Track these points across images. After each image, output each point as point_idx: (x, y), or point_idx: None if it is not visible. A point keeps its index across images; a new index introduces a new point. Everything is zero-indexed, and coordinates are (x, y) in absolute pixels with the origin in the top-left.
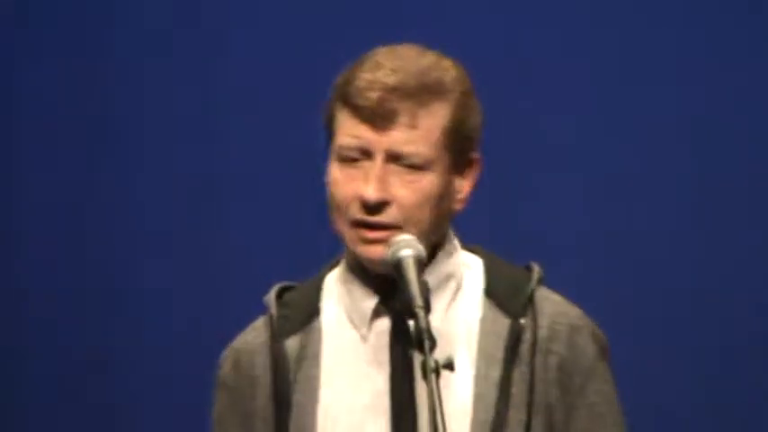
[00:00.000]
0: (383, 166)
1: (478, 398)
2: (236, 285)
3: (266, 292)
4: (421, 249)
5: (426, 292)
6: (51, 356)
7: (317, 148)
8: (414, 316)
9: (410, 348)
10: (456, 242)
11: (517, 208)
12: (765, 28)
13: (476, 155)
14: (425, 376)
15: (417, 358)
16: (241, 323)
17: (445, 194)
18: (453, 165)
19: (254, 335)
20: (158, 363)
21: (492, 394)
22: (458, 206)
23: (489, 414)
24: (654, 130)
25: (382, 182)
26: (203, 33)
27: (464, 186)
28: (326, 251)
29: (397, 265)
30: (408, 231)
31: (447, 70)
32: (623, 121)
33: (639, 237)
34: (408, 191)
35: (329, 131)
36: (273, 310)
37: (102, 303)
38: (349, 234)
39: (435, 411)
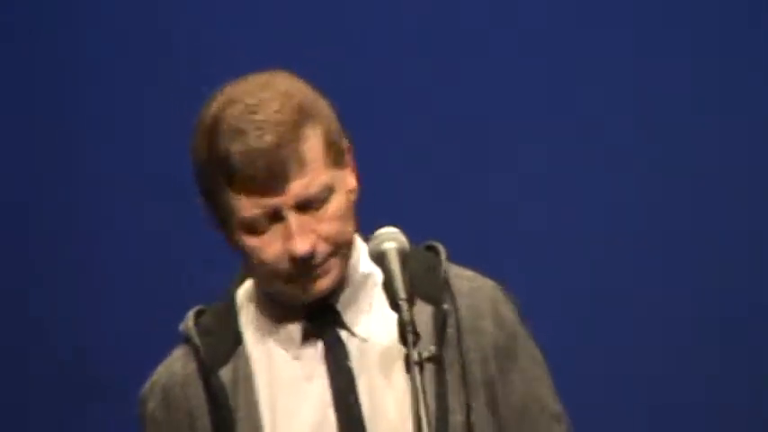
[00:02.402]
0: (296, 217)
1: (414, 391)
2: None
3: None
4: (404, 241)
5: (409, 285)
6: (50, 356)
7: None
8: (397, 308)
9: (347, 360)
10: (359, 239)
11: (517, 207)
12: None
13: (346, 143)
14: (409, 370)
15: (362, 370)
16: None
17: (348, 199)
18: (339, 169)
19: (180, 365)
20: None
21: (429, 385)
22: (356, 194)
23: (431, 405)
24: (655, 131)
25: (303, 231)
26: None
27: (352, 178)
28: None
29: (381, 258)
30: (342, 253)
31: (295, 93)
32: (623, 120)
33: (640, 237)
34: (326, 223)
35: (213, 202)
36: (197, 340)
37: (101, 303)
38: (288, 290)
39: (420, 405)
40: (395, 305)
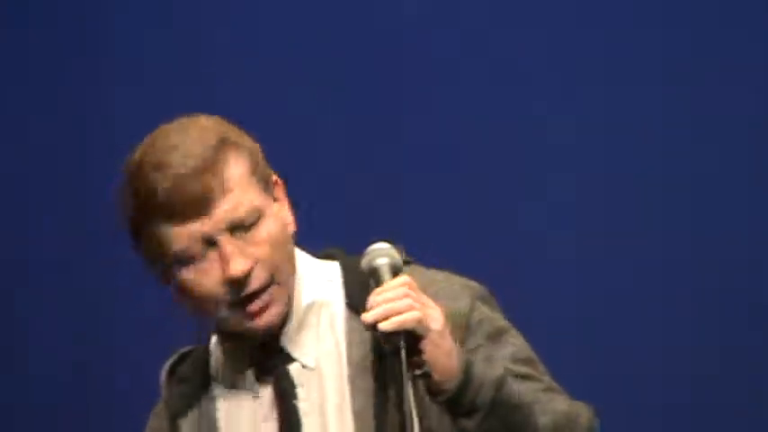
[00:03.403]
0: (229, 240)
1: (359, 415)
2: None
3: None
4: (397, 258)
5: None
6: (50, 357)
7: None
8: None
9: (294, 399)
10: (304, 262)
11: (517, 208)
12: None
13: (273, 176)
14: (401, 386)
15: (308, 407)
16: None
17: (281, 227)
18: (268, 198)
19: (156, 421)
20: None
21: (368, 407)
22: (291, 229)
23: (370, 426)
24: (656, 132)
25: (238, 253)
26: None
27: (285, 209)
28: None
29: (374, 274)
30: (280, 279)
31: (216, 126)
32: (625, 121)
33: (642, 239)
34: (260, 246)
35: (147, 249)
36: (164, 391)
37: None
38: (232, 319)
39: (411, 415)
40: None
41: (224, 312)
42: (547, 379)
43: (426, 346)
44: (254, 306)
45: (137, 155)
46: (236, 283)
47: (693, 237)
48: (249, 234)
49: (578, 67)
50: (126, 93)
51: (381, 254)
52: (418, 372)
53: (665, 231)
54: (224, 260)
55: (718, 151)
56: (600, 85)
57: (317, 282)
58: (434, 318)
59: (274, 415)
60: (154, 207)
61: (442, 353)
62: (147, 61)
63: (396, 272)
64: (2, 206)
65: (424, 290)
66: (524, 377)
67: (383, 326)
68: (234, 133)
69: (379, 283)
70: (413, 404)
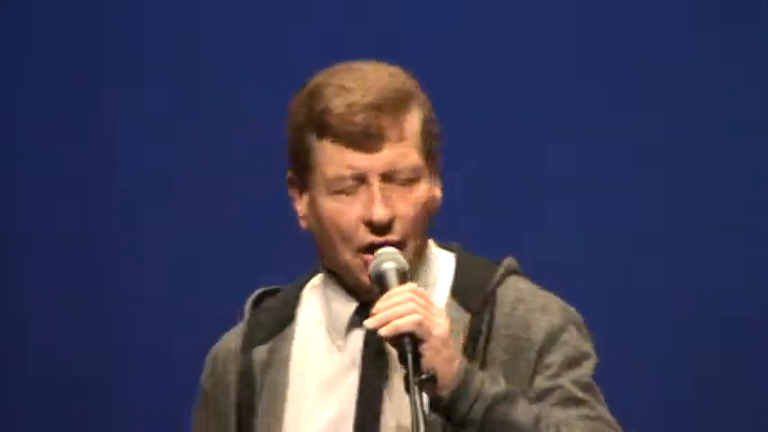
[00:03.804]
0: (381, 185)
1: (415, 408)
2: (241, 286)
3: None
4: (404, 262)
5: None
6: (52, 357)
7: None
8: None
9: (382, 360)
10: (432, 247)
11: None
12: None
13: (439, 149)
14: (408, 389)
15: (395, 370)
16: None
17: (429, 200)
18: (429, 167)
19: (230, 341)
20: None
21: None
22: (436, 206)
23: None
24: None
25: (386, 201)
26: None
27: (438, 188)
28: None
29: (380, 278)
30: (408, 245)
31: (402, 74)
32: (632, 126)
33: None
34: (407, 204)
35: (303, 165)
36: (247, 315)
37: (105, 304)
38: (354, 262)
39: (418, 426)
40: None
41: (346, 255)
42: (601, 410)
43: (426, 350)
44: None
45: (319, 77)
46: (373, 228)
47: (693, 237)
48: (400, 189)
49: (582, 68)
50: (127, 92)
51: (388, 258)
52: (424, 376)
53: (665, 231)
54: (371, 201)
55: (720, 152)
56: (604, 89)
57: (432, 265)
58: (437, 324)
59: (353, 367)
60: (324, 125)
61: (442, 359)
62: (148, 62)
63: (402, 276)
64: (2, 206)
65: (522, 300)
66: (577, 401)
67: (382, 331)
68: (420, 91)
69: (385, 287)
70: (420, 407)
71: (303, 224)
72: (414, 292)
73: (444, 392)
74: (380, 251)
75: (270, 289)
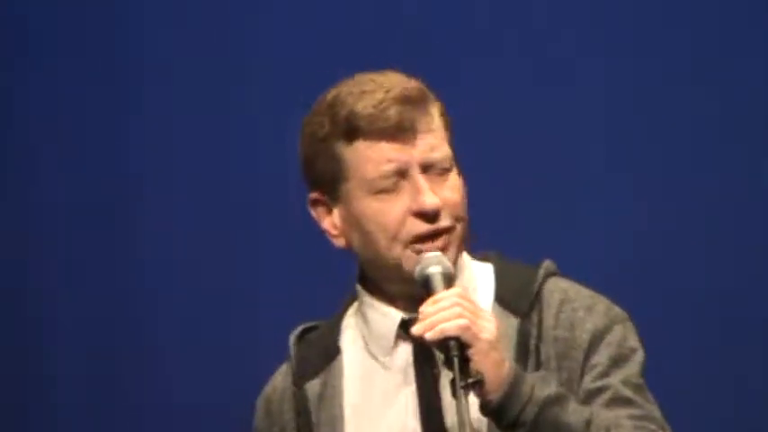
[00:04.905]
0: (422, 176)
1: (461, 412)
2: (244, 288)
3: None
4: (448, 266)
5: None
6: (67, 358)
7: None
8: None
9: (435, 367)
10: (464, 255)
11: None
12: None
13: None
14: (454, 394)
15: (445, 375)
16: (240, 325)
17: (463, 188)
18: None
19: (281, 379)
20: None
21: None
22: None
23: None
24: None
25: (431, 189)
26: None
27: (461, 180)
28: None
29: (426, 282)
30: (458, 229)
31: (414, 79)
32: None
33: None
34: (448, 191)
35: (332, 178)
36: (292, 352)
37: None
38: (405, 256)
39: (465, 427)
40: None
41: (397, 250)
42: (650, 408)
43: (474, 354)
44: (433, 245)
45: (333, 89)
46: (424, 217)
47: (723, 237)
48: (438, 178)
49: (611, 69)
50: (131, 93)
51: (434, 262)
52: (471, 380)
53: (664, 232)
54: (418, 192)
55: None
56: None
57: (472, 277)
58: (485, 328)
59: (409, 382)
60: (356, 126)
61: (490, 363)
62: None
63: (448, 280)
64: (5, 206)
65: (568, 300)
66: (625, 401)
67: (428, 335)
68: (431, 89)
69: (430, 290)
70: (467, 412)
71: (339, 242)
72: (460, 296)
73: (493, 396)
74: (426, 255)
75: (310, 325)
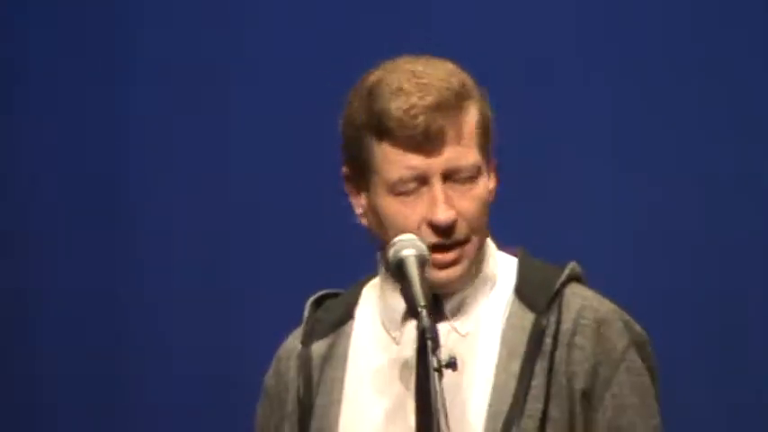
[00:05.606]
0: (442, 186)
1: (496, 388)
2: (243, 286)
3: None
4: (423, 248)
5: (429, 291)
6: (64, 357)
7: None
8: (417, 315)
9: (434, 356)
10: (491, 244)
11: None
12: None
13: (491, 146)
14: (427, 375)
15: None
16: (240, 325)
17: (487, 193)
18: (485, 160)
19: (291, 340)
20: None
21: (510, 385)
22: (492, 200)
23: (506, 404)
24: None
25: (448, 201)
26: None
27: (493, 180)
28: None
29: (400, 265)
30: (474, 242)
31: (457, 71)
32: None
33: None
34: (468, 202)
35: (362, 165)
36: (307, 313)
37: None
38: None
39: (437, 410)
40: (414, 312)
41: None
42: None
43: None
44: (445, 257)
45: (377, 74)
46: (437, 229)
47: (737, 235)
48: (461, 187)
49: (619, 69)
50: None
51: (408, 245)
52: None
53: (665, 232)
54: (433, 203)
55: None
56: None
57: (495, 266)
58: None
59: (410, 363)
60: (383, 127)
61: None
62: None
63: (422, 263)
64: (5, 206)
65: (588, 309)
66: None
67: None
68: (475, 85)
69: (404, 274)
70: (441, 394)
71: (363, 221)
72: None
73: None
74: (398, 237)
75: (331, 292)
